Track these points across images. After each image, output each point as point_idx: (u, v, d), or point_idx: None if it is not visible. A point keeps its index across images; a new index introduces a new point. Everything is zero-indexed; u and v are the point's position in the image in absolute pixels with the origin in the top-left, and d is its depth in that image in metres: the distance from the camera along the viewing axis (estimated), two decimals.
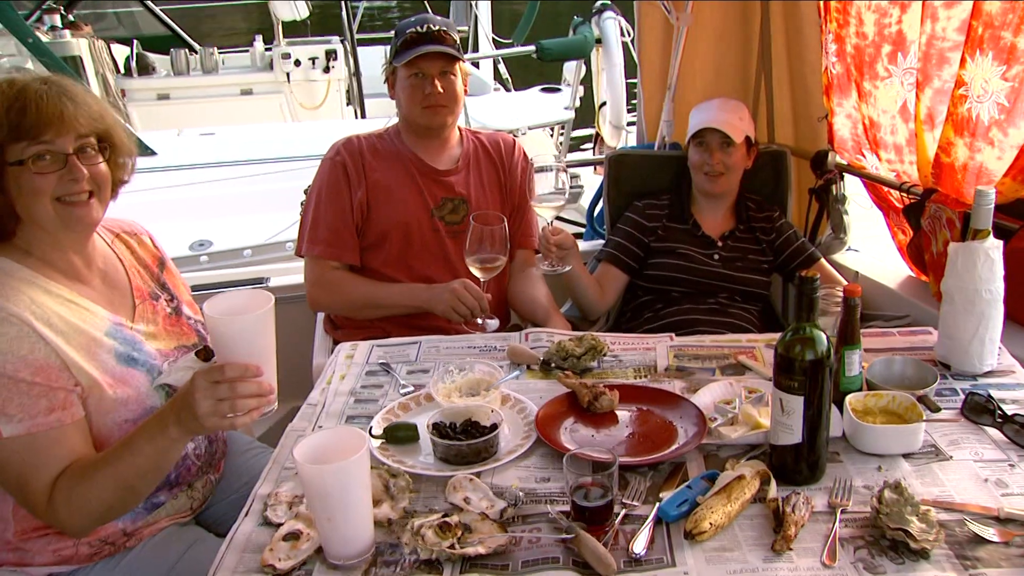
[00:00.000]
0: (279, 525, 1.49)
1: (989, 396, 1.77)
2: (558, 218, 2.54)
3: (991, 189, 1.89)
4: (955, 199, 2.48)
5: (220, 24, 16.01)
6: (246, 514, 1.54)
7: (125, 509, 1.65)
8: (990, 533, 1.41)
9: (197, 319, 1.94)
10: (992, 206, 1.90)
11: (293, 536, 1.46)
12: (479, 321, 2.33)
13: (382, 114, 7.20)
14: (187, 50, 8.92)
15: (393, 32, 2.57)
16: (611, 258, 2.86)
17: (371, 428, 1.75)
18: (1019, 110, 2.20)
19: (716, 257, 2.81)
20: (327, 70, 8.85)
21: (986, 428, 1.72)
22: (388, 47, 2.63)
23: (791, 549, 1.40)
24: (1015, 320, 2.13)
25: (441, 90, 2.47)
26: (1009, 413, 1.72)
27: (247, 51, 9.25)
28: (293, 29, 9.23)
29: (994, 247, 1.90)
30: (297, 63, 8.77)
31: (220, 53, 9.11)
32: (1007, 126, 2.24)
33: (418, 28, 2.46)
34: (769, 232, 2.89)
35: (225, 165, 5.77)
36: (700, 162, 2.79)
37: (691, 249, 2.81)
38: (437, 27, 2.46)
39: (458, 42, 2.54)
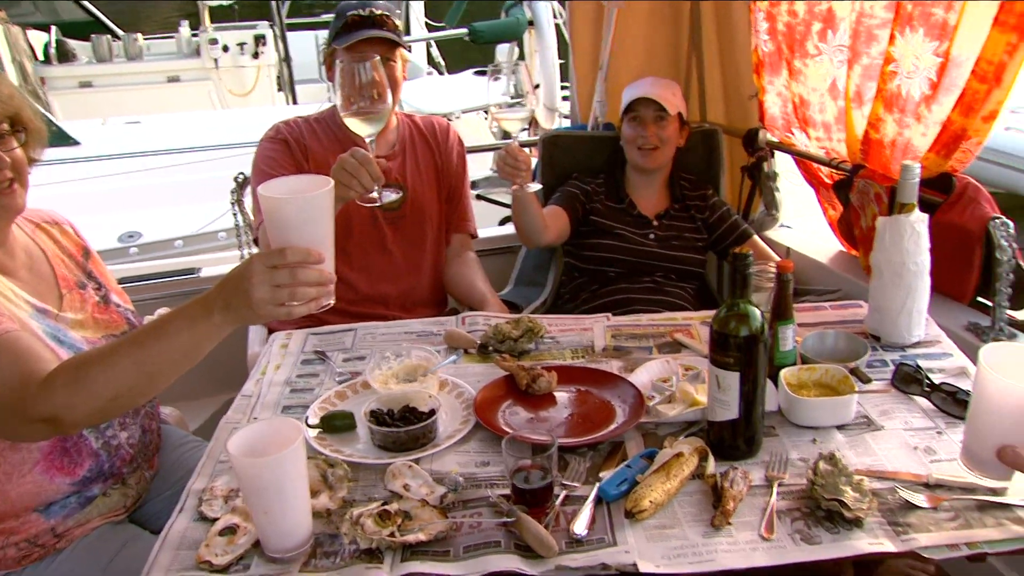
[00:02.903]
0: (215, 520, 1.46)
1: (917, 366, 1.81)
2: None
3: (916, 164, 1.93)
4: (882, 174, 2.53)
5: (153, 14, 15.61)
6: (180, 510, 1.51)
7: (131, 403, 1.56)
8: (920, 499, 1.44)
9: (127, 307, 1.89)
10: (917, 180, 1.93)
11: (230, 530, 1.43)
12: (374, 194, 2.04)
13: (314, 100, 7.10)
14: (110, 36, 8.68)
15: (334, 14, 2.52)
16: (557, 201, 2.86)
17: (307, 418, 1.73)
18: (945, 86, 2.24)
19: (651, 236, 2.83)
20: (256, 56, 8.69)
21: (915, 397, 1.76)
22: (319, 32, 2.58)
23: (730, 524, 1.41)
24: (941, 292, 2.17)
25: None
26: (936, 382, 1.76)
27: (172, 37, 9.04)
28: (220, 15, 9.04)
29: (919, 220, 1.94)
30: (225, 49, 8.60)
31: (145, 39, 8.88)
32: (932, 103, 2.28)
33: (360, 11, 2.41)
34: (703, 210, 2.91)
35: (153, 154, 5.63)
36: (634, 136, 2.80)
37: (626, 229, 2.82)
38: (379, 11, 2.42)
39: (399, 27, 2.50)
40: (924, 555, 1.36)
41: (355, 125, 1.95)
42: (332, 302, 1.43)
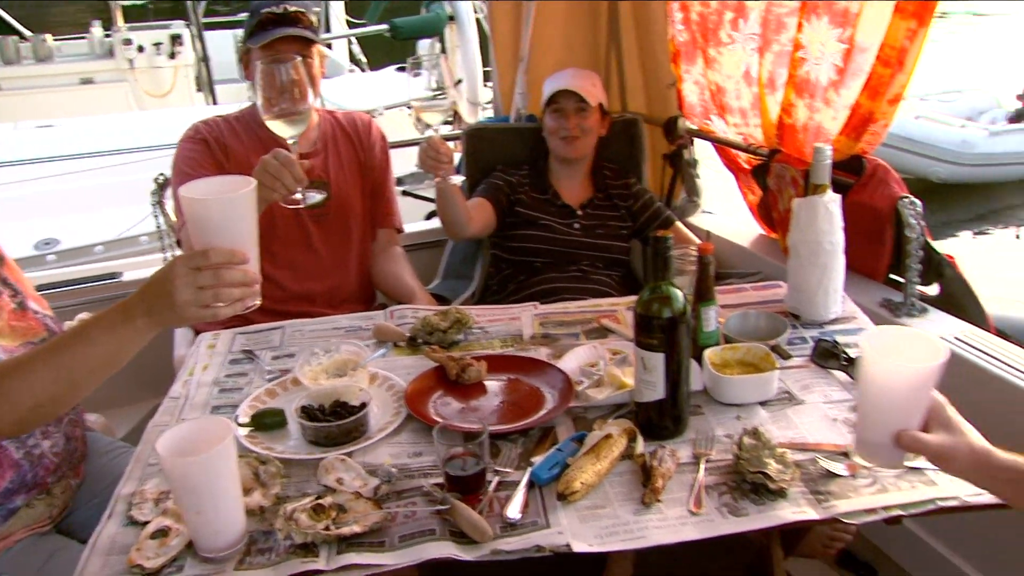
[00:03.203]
0: (146, 523, 1.44)
1: (835, 342, 1.87)
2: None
3: (828, 146, 1.99)
4: (797, 158, 2.61)
5: (60, 15, 15.16)
6: (109, 516, 1.48)
7: (53, 412, 1.52)
8: (840, 468, 1.50)
9: (46, 313, 1.85)
10: (829, 162, 2.00)
11: (161, 533, 1.41)
12: (298, 195, 2.03)
13: (235, 100, 6.99)
14: (16, 37, 8.41)
15: (248, 12, 2.48)
16: (482, 193, 2.87)
17: (237, 417, 1.71)
18: (851, 71, 2.31)
19: (576, 226, 2.86)
20: (173, 56, 8.52)
21: (833, 371, 1.82)
22: (237, 31, 2.55)
23: (660, 501, 1.45)
24: (856, 270, 2.25)
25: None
26: (853, 356, 1.82)
27: (84, 38, 8.80)
28: (134, 14, 8.83)
29: (832, 200, 2.01)
30: (140, 49, 8.41)
31: (55, 40, 8.63)
32: (840, 87, 2.36)
33: (274, 8, 2.38)
34: (627, 198, 2.95)
35: (69, 158, 5.48)
36: (556, 127, 2.83)
37: (551, 219, 2.85)
38: (294, 8, 2.39)
39: (315, 24, 2.48)
40: (844, 520, 1.41)
41: (277, 127, 1.93)
42: (259, 302, 1.43)
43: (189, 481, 1.32)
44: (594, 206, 2.91)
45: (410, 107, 1.76)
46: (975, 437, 1.29)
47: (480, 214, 2.77)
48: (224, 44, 8.44)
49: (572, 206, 2.89)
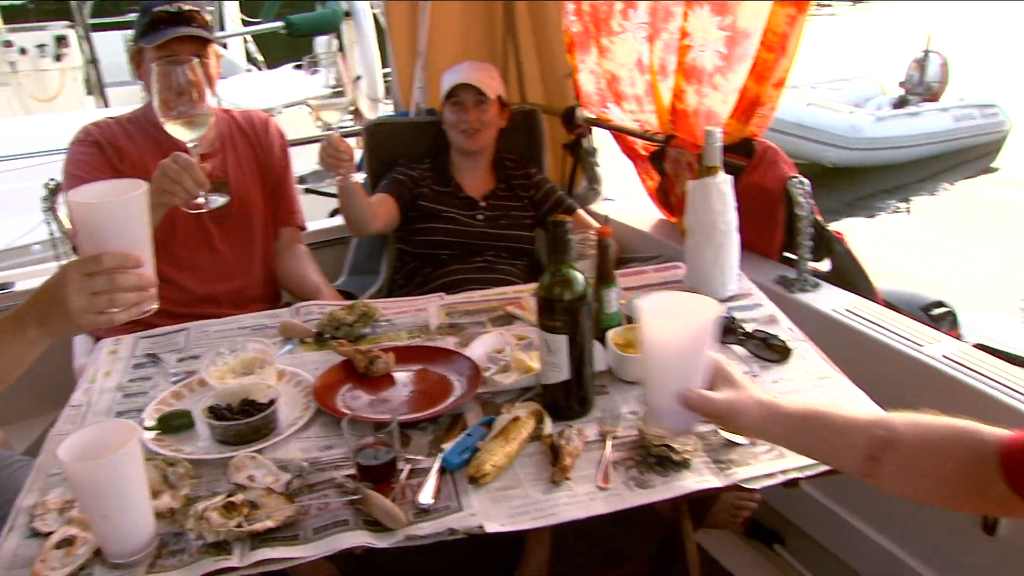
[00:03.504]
0: (50, 534, 1.40)
1: (732, 318, 1.94)
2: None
3: (717, 130, 2.06)
4: (692, 143, 2.68)
5: None
6: (10, 529, 1.44)
7: None
8: (739, 437, 1.56)
9: None
10: (719, 144, 2.07)
11: (66, 542, 1.38)
12: (200, 199, 2.01)
13: (128, 102, 6.78)
14: None
15: (139, 10, 2.42)
16: (384, 189, 2.86)
17: (143, 420, 1.69)
18: (736, 56, 2.39)
19: (480, 217, 2.88)
20: (59, 58, 8.20)
21: (731, 346, 1.89)
22: (127, 32, 2.48)
23: (569, 479, 1.48)
24: (750, 249, 2.33)
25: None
26: (750, 331, 1.89)
27: None
28: (13, 15, 8.47)
29: (725, 181, 2.08)
30: (23, 51, 8.07)
31: None
32: (727, 71, 2.44)
33: (167, 7, 2.33)
34: (528, 188, 2.98)
35: None
36: (456, 120, 2.85)
37: (455, 212, 2.86)
38: (188, 7, 2.35)
39: (209, 22, 2.44)
40: (745, 486, 1.48)
41: (177, 131, 1.90)
42: (156, 306, 1.40)
43: (94, 486, 1.30)
44: (497, 197, 2.93)
45: (309, 105, 1.75)
46: (759, 391, 1.30)
47: (383, 209, 2.77)
48: (114, 45, 8.17)
49: (475, 198, 2.90)
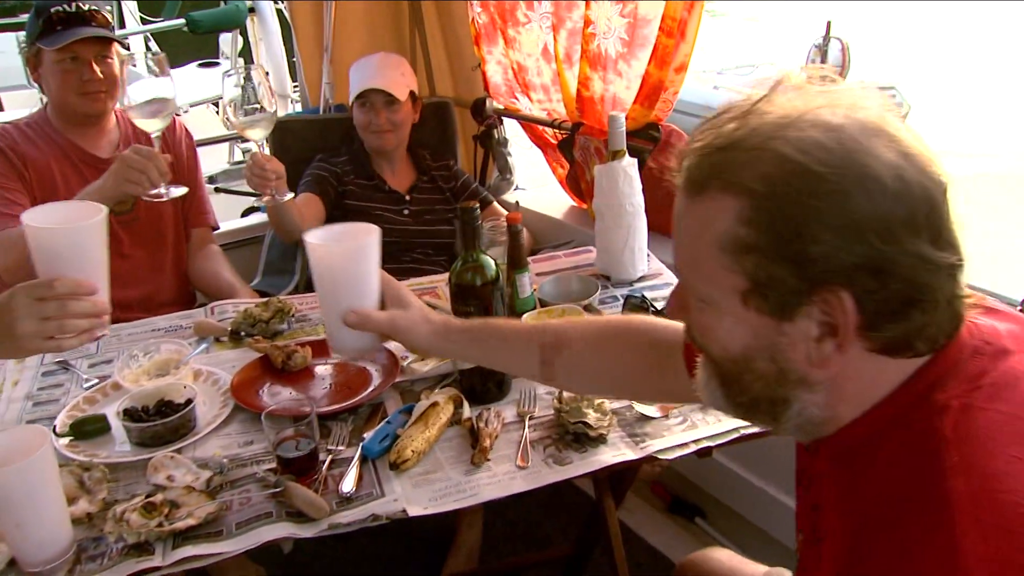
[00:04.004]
0: None
1: (643, 297, 2.00)
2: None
3: (621, 114, 2.12)
4: (599, 129, 2.72)
5: None
6: None
7: None
8: (652, 411, 1.61)
9: None
10: (623, 129, 2.12)
11: None
12: (161, 190, 2.02)
13: (23, 107, 6.56)
14: None
15: (32, 11, 2.35)
16: (308, 188, 2.76)
17: (55, 427, 1.66)
18: (637, 43, 2.45)
19: (406, 212, 2.83)
20: None
21: None
22: (20, 34, 2.40)
23: (489, 460, 1.52)
24: (658, 231, 2.39)
25: (100, 75, 2.32)
26: (660, 308, 1.95)
27: None
28: None
29: (630, 164, 2.13)
30: None
31: None
32: (630, 58, 2.49)
33: (65, 7, 2.27)
34: (448, 180, 2.96)
35: None
36: (366, 122, 2.80)
37: (382, 207, 2.81)
38: (87, 6, 2.29)
39: (110, 21, 2.39)
40: (660, 457, 1.53)
41: (143, 122, 1.91)
42: (107, 332, 1.37)
43: (5, 494, 1.28)
44: (421, 190, 2.89)
45: (231, 123, 1.69)
46: (434, 313, 1.38)
47: (311, 211, 2.68)
48: (7, 47, 7.87)
49: (400, 192, 2.86)
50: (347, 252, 1.33)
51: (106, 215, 1.33)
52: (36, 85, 2.50)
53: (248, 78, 2.00)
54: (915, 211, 0.79)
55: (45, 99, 2.51)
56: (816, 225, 0.79)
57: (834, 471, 0.92)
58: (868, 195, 0.78)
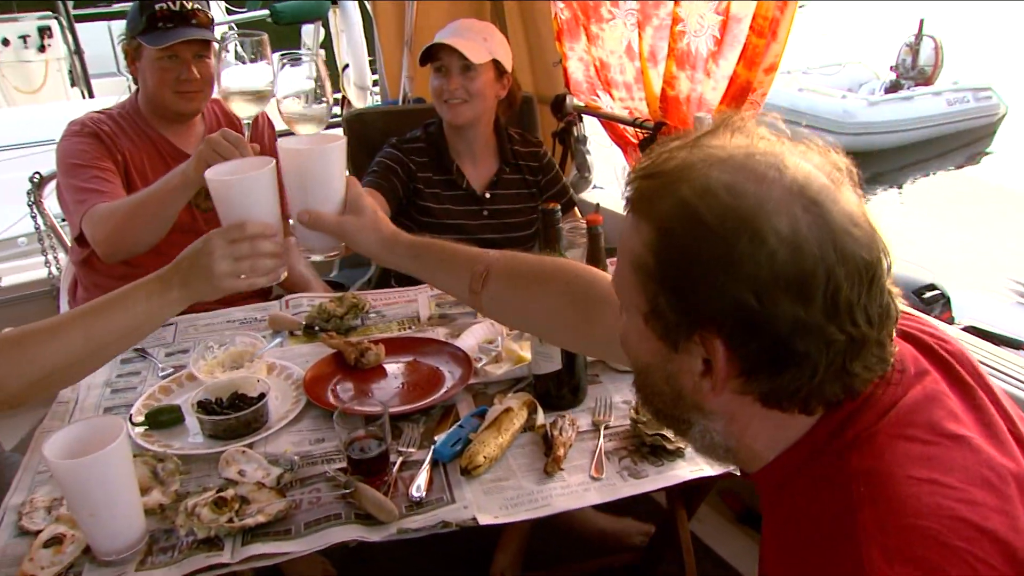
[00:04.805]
0: (38, 532, 1.39)
1: None
2: None
3: (707, 116, 2.05)
4: (683, 129, 2.66)
5: None
6: None
7: (66, 380, 1.50)
8: None
9: None
10: None
11: (55, 541, 1.36)
12: None
13: (112, 94, 6.72)
14: None
15: (136, 5, 2.34)
16: (373, 183, 2.46)
17: (131, 416, 1.67)
18: (727, 42, 2.38)
19: (485, 213, 2.58)
20: (43, 49, 8.11)
21: None
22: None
23: (562, 469, 1.47)
24: None
25: (198, 75, 2.32)
26: None
27: None
28: None
29: None
30: (5, 42, 7.98)
31: None
32: (719, 58, 2.43)
33: (169, 4, 2.27)
34: (536, 172, 2.65)
35: None
36: (439, 88, 2.45)
37: (457, 208, 2.56)
38: (191, 4, 2.30)
39: (212, 19, 2.39)
40: (738, 473, 1.46)
41: (240, 107, 1.84)
42: (285, 275, 1.45)
43: (80, 484, 1.28)
44: (502, 184, 2.60)
45: (281, 113, 1.61)
46: (385, 222, 1.42)
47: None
48: (98, 36, 8.09)
49: (478, 191, 2.57)
50: (312, 155, 1.39)
51: (274, 166, 1.41)
52: (130, 76, 2.51)
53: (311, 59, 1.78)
54: (807, 278, 0.79)
55: (134, 88, 2.53)
56: (697, 269, 0.82)
57: (765, 504, 0.95)
58: (753, 254, 0.79)
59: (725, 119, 0.91)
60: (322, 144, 1.40)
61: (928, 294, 3.34)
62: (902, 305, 0.88)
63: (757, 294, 0.79)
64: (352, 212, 1.40)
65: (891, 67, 11.93)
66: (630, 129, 2.99)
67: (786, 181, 0.82)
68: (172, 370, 1.89)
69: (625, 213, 0.91)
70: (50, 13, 8.13)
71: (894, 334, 0.87)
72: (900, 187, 10.96)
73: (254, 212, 1.39)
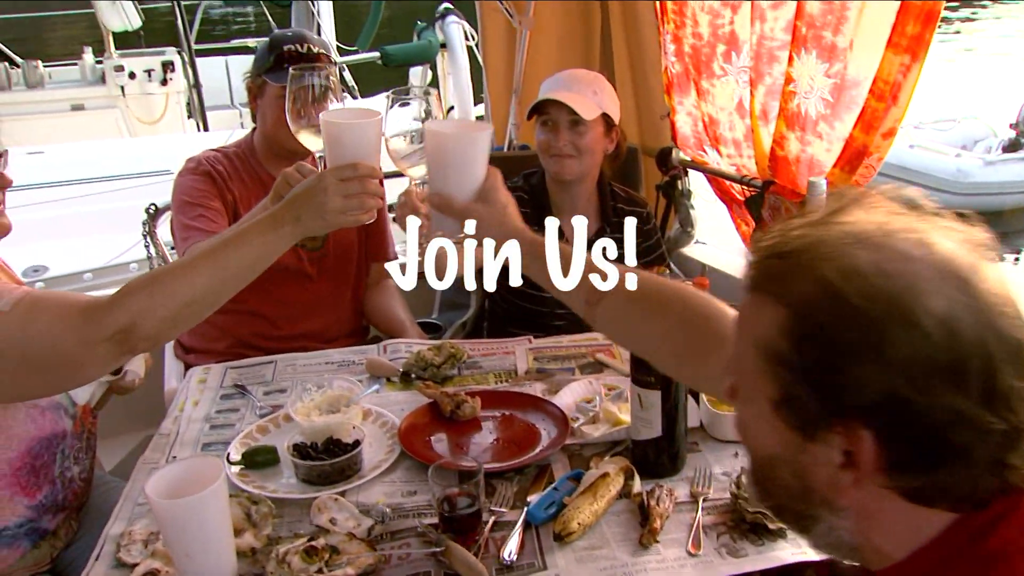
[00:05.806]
0: (134, 566, 1.41)
1: None
2: None
3: (822, 179, 2.00)
4: (791, 189, 2.61)
5: (51, 41, 15.15)
6: (97, 557, 1.46)
7: (202, 311, 1.53)
8: None
9: None
10: (824, 195, 2.00)
11: (150, 575, 1.39)
12: None
13: (225, 126, 6.97)
14: (7, 64, 8.38)
15: (266, 43, 2.44)
16: None
17: (228, 454, 1.69)
18: (842, 104, 2.33)
19: None
20: (165, 82, 8.48)
21: None
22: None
23: (658, 541, 1.43)
24: None
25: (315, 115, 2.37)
26: None
27: (76, 64, 8.78)
28: (125, 41, 8.81)
29: None
30: (132, 76, 8.37)
31: (46, 67, 8.60)
32: (833, 120, 2.37)
33: (297, 46, 2.35)
34: (639, 235, 2.46)
35: (58, 185, 5.44)
36: (546, 142, 2.40)
37: None
38: (316, 48, 2.36)
39: (335, 62, 2.45)
40: (844, 562, 1.39)
41: (307, 139, 1.87)
42: (375, 216, 1.54)
43: (178, 523, 1.30)
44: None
45: (391, 156, 1.61)
46: (513, 217, 1.41)
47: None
48: (214, 71, 8.41)
49: None
50: (455, 139, 1.41)
51: (380, 118, 1.51)
52: (243, 109, 2.58)
53: (424, 97, 1.69)
54: (962, 365, 0.74)
55: (248, 121, 2.59)
56: (845, 357, 0.77)
57: None
58: (906, 338, 0.75)
59: (855, 195, 0.86)
60: (468, 131, 1.45)
61: None
62: None
63: (911, 381, 0.75)
64: (482, 201, 1.41)
65: (1010, 124, 11.45)
66: (736, 186, 2.94)
67: (934, 259, 0.78)
68: (270, 409, 1.91)
69: (747, 293, 0.87)
70: (174, 48, 8.51)
71: None
72: (1018, 252, 10.50)
73: (361, 155, 1.48)
